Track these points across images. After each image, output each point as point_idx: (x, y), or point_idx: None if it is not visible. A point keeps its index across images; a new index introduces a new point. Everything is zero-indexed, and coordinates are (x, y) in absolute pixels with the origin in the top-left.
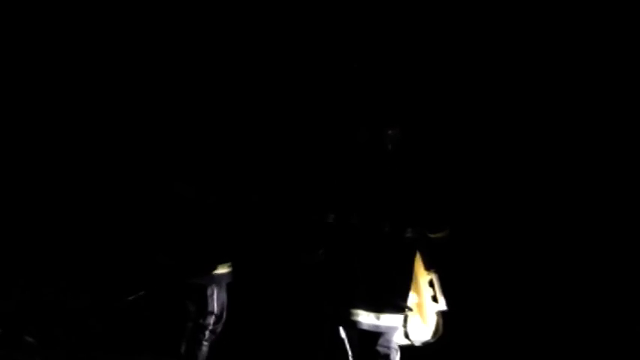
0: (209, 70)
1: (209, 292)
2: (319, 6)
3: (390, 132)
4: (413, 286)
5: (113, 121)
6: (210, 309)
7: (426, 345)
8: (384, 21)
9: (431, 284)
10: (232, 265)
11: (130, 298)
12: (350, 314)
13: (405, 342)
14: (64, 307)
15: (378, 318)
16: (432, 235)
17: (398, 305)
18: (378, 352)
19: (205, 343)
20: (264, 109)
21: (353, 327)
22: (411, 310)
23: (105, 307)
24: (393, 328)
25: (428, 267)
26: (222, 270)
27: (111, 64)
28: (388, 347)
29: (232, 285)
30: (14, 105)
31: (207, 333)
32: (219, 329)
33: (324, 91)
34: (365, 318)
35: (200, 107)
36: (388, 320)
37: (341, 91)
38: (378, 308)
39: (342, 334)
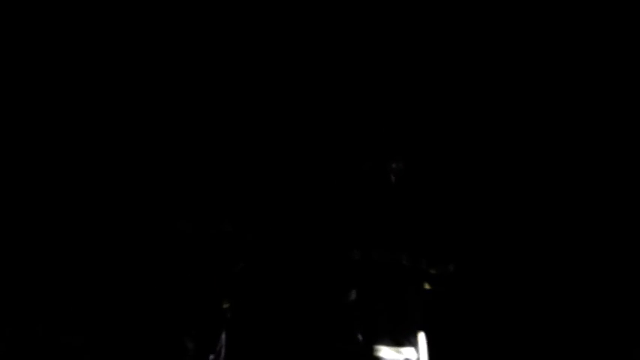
0: (207, 104)
1: (208, 328)
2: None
3: (393, 165)
4: None
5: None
6: (208, 346)
7: None
8: (386, 50)
9: None
10: (231, 301)
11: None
12: (372, 350)
13: None
14: (57, 344)
15: (399, 352)
16: (433, 271)
17: (416, 338)
18: None
19: None
20: (270, 142)
21: None
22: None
23: (100, 344)
24: None
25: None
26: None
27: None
28: None
29: (232, 321)
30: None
31: None
32: None
33: (329, 124)
34: (387, 353)
35: (204, 139)
36: (409, 354)
37: (344, 127)
38: (399, 342)
39: None
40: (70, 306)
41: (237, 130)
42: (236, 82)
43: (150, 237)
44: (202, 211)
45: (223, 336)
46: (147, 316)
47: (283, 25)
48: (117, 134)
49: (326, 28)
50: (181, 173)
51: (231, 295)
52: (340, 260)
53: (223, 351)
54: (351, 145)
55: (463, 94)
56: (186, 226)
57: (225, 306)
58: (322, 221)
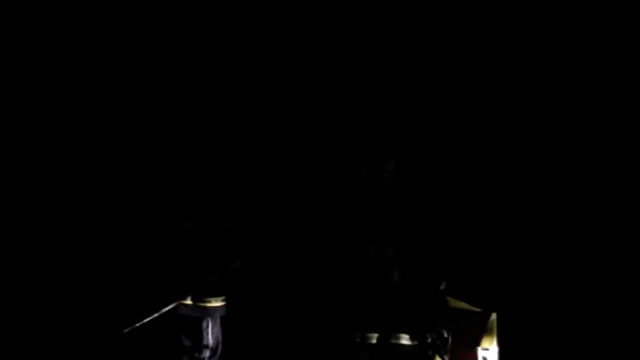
0: (202, 102)
1: (204, 325)
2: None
3: (386, 164)
4: None
5: (105, 151)
6: (205, 342)
7: None
8: (377, 51)
9: None
10: (226, 299)
11: (125, 330)
12: (388, 338)
13: None
14: (54, 343)
15: (413, 340)
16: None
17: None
18: None
19: None
20: (266, 140)
21: (394, 351)
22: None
23: (97, 342)
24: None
25: None
26: (216, 303)
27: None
28: None
29: (226, 318)
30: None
31: None
32: None
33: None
34: (403, 340)
35: (197, 137)
36: (423, 340)
37: (335, 126)
38: (414, 330)
39: None
40: (63, 303)
41: (234, 128)
42: (234, 82)
43: (147, 233)
44: (201, 208)
45: (220, 333)
46: (143, 314)
47: (276, 24)
48: (114, 129)
49: (319, 27)
50: (180, 169)
51: (228, 292)
52: (342, 258)
53: (220, 348)
54: (344, 145)
55: (454, 91)
56: (184, 223)
57: (222, 303)
58: (321, 218)
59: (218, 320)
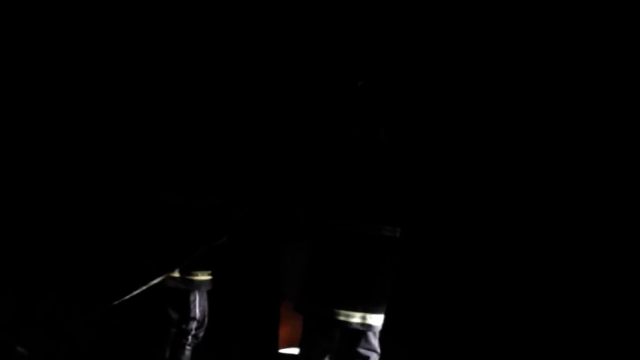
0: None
1: (191, 298)
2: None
3: (375, 131)
4: None
5: (99, 130)
6: (192, 315)
7: None
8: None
9: None
10: (213, 273)
11: (116, 302)
12: (338, 314)
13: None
14: (53, 316)
15: (365, 319)
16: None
17: (384, 306)
18: (358, 354)
19: (188, 347)
20: (251, 111)
21: (342, 327)
22: None
23: (90, 315)
24: (377, 329)
25: None
26: (203, 277)
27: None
28: (369, 349)
29: (212, 291)
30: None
31: (189, 338)
32: (201, 334)
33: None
34: (355, 319)
35: (184, 109)
36: (375, 321)
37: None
38: (367, 308)
39: None
40: (62, 280)
41: (225, 108)
42: (229, 62)
43: (137, 208)
44: (190, 184)
45: (207, 306)
46: (132, 285)
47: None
48: (111, 111)
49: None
50: (171, 147)
51: (215, 267)
52: (319, 232)
53: (206, 320)
54: (333, 112)
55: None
56: (174, 198)
57: (209, 277)
58: (303, 191)
59: (205, 293)
